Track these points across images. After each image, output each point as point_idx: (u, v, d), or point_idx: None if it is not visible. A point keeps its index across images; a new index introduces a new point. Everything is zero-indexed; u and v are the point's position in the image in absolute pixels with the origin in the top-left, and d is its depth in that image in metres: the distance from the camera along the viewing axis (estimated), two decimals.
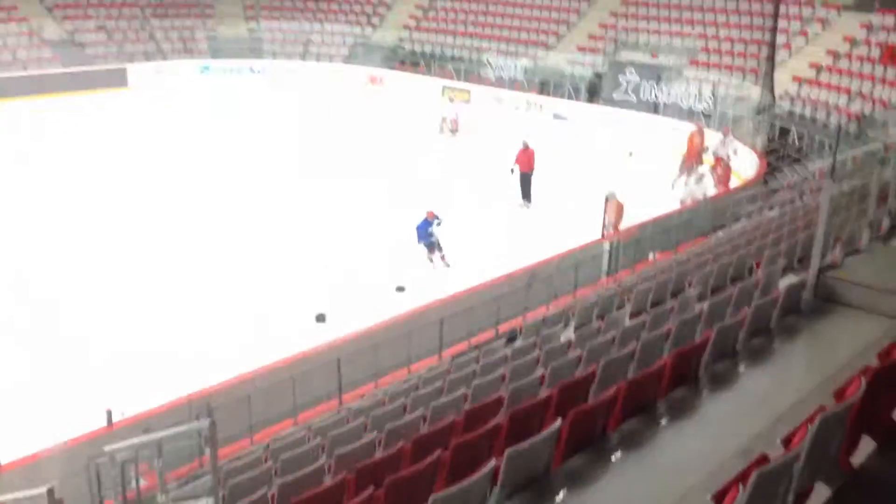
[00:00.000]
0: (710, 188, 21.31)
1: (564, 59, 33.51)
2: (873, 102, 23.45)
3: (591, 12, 36.01)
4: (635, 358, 7.73)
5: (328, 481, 6.86)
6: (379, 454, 7.45)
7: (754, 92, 26.41)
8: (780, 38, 27.60)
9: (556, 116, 30.79)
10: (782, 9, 27.45)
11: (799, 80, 26.75)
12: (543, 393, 7.12)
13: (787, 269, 10.56)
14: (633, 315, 10.66)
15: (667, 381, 6.87)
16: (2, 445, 10.04)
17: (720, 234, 17.24)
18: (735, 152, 23.11)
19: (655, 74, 29.28)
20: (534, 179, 21.51)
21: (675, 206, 19.94)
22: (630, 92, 29.54)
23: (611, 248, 16.69)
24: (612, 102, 30.05)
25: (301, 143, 27.42)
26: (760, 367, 7.60)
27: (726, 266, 11.67)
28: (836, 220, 11.28)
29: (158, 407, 10.89)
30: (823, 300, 8.66)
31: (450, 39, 38.35)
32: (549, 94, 32.33)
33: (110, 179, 22.83)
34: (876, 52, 25.23)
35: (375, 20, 41.43)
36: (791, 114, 25.91)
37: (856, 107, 23.90)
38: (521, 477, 5.45)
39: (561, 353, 9.05)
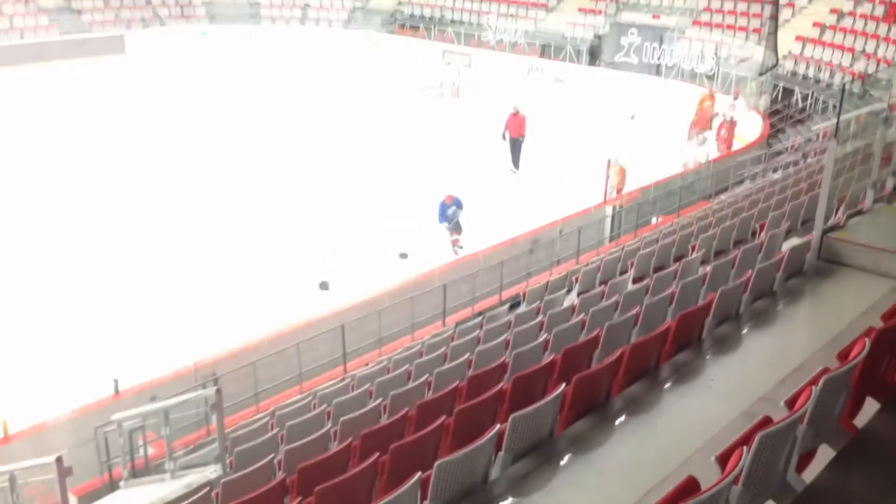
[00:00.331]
0: (712, 151, 21.20)
1: (565, 21, 33.11)
2: (877, 61, 23.20)
3: None
4: (638, 322, 7.75)
5: (334, 448, 6.92)
6: (384, 420, 7.51)
7: (757, 52, 26.11)
8: None
9: (556, 80, 30.51)
10: None
11: (802, 40, 26.46)
12: (547, 358, 7.14)
13: (790, 232, 10.54)
14: (636, 280, 10.66)
15: (670, 346, 6.89)
16: (10, 414, 10.13)
17: (723, 196, 17.18)
18: (738, 113, 22.95)
19: (657, 35, 28.93)
20: (524, 146, 21.31)
21: (678, 169, 19.85)
22: (632, 54, 29.24)
23: (613, 212, 16.65)
24: (613, 65, 29.76)
25: (301, 108, 27.28)
26: (764, 329, 7.61)
27: (729, 229, 11.65)
28: (840, 182, 11.23)
29: (165, 376, 10.98)
30: (827, 262, 8.66)
31: (449, 2, 37.86)
32: (549, 58, 32.02)
33: (110, 147, 22.73)
34: (880, 10, 24.87)
35: None
36: (794, 74, 25.68)
37: (860, 66, 23.66)
38: (525, 442, 5.49)
39: (564, 318, 9.05)
